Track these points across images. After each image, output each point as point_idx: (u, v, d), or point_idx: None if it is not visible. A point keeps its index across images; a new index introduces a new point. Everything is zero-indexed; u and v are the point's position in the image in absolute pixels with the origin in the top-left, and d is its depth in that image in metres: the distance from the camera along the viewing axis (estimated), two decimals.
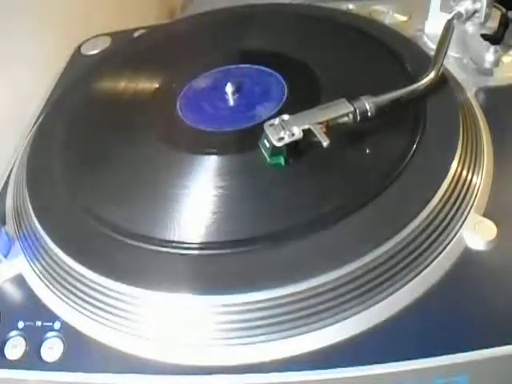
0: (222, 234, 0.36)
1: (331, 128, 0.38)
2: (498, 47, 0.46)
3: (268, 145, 0.39)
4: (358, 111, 0.39)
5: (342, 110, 0.39)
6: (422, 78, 0.42)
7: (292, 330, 0.33)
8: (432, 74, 0.42)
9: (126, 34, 0.61)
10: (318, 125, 0.38)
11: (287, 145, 0.38)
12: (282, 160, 0.39)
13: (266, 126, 0.39)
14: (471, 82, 0.46)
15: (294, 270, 0.33)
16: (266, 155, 0.39)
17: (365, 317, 0.33)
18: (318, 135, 0.37)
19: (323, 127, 0.38)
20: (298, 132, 0.38)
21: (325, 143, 0.37)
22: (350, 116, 0.39)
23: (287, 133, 0.38)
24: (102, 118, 0.48)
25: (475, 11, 0.46)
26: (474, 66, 0.48)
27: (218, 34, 0.56)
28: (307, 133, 0.38)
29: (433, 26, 0.51)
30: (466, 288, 0.34)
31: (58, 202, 0.41)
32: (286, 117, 0.39)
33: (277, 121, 0.39)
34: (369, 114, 0.39)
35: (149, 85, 0.50)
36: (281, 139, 0.38)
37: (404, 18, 0.56)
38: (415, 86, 0.41)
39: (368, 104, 0.39)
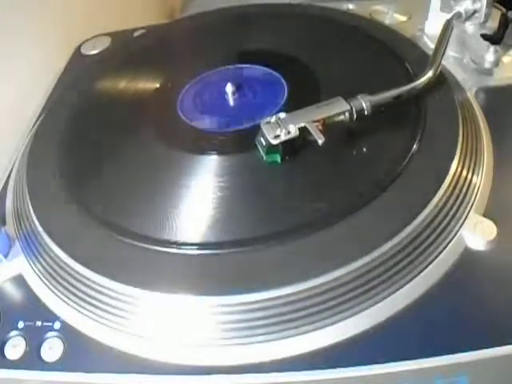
0: (221, 234, 0.36)
1: (328, 126, 0.39)
2: (497, 47, 0.46)
3: (264, 142, 0.39)
4: (354, 109, 0.39)
5: (338, 109, 0.39)
6: (420, 77, 0.42)
7: (292, 330, 0.33)
8: (430, 73, 0.42)
9: (125, 33, 0.61)
10: (314, 123, 0.38)
11: (283, 142, 0.38)
12: (278, 158, 0.39)
13: (262, 123, 0.39)
14: (471, 82, 0.47)
15: (293, 270, 0.33)
16: (262, 153, 0.39)
17: (365, 317, 0.33)
18: (313, 133, 0.37)
19: (319, 125, 0.38)
20: (293, 130, 0.38)
21: (320, 141, 0.37)
22: (347, 114, 0.39)
23: (283, 131, 0.38)
24: (102, 118, 0.48)
25: (475, 11, 0.46)
26: (474, 65, 0.48)
27: (218, 34, 0.56)
28: (303, 131, 0.38)
29: (433, 26, 0.51)
30: (466, 288, 0.34)
31: (58, 201, 0.41)
32: (282, 115, 0.39)
33: (273, 119, 0.39)
34: (365, 112, 0.39)
35: (149, 85, 0.50)
36: (277, 137, 0.38)
37: (404, 18, 0.56)
38: (413, 84, 0.41)
39: (364, 102, 0.39)
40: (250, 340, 0.33)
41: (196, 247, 0.36)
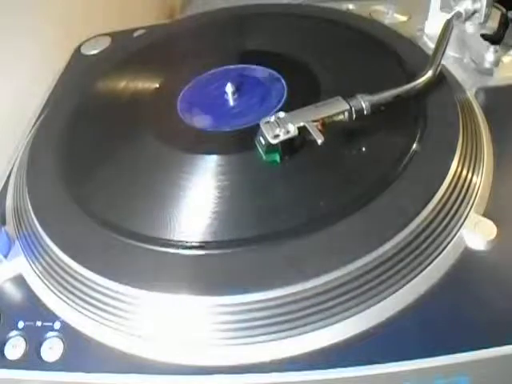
0: (221, 234, 0.36)
1: (327, 126, 0.39)
2: (497, 47, 0.46)
3: (263, 142, 0.39)
4: (353, 109, 0.39)
5: (337, 108, 0.39)
6: (420, 77, 0.42)
7: (292, 330, 0.33)
8: (430, 73, 0.42)
9: (125, 33, 0.61)
10: (314, 122, 0.38)
11: (282, 142, 0.38)
12: (277, 157, 0.39)
13: (261, 123, 0.39)
14: (471, 82, 0.47)
15: (293, 270, 0.33)
16: (261, 152, 0.39)
17: (365, 317, 0.33)
18: (312, 133, 0.37)
19: (319, 125, 0.38)
20: (293, 129, 0.38)
21: (319, 141, 0.37)
22: (346, 114, 0.39)
23: (282, 130, 0.38)
24: (102, 118, 0.48)
25: (475, 11, 0.46)
26: (474, 65, 0.48)
27: (218, 34, 0.56)
28: (302, 130, 0.38)
29: (433, 26, 0.51)
30: (466, 288, 0.34)
31: (57, 201, 0.41)
32: (281, 114, 0.39)
33: (272, 118, 0.39)
34: (365, 112, 0.39)
35: (149, 85, 0.50)
36: (276, 136, 0.38)
37: (404, 18, 0.56)
38: (412, 84, 0.41)
39: (364, 102, 0.39)
40: (249, 340, 0.33)
41: (196, 247, 0.36)
